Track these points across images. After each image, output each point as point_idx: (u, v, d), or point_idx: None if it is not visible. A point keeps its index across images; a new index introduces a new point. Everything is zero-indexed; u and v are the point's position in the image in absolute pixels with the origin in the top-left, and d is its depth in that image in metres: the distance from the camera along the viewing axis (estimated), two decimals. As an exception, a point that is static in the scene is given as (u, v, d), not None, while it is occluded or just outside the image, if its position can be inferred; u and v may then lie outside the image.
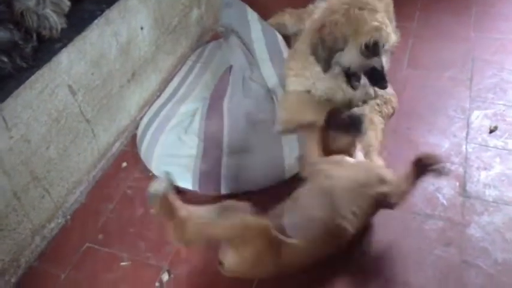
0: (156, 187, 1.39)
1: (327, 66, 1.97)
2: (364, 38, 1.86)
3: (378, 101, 2.11)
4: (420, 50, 2.59)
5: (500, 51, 2.54)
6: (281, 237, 1.47)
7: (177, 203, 1.42)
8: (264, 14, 2.74)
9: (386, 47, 1.92)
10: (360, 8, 1.88)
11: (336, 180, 1.60)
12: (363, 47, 1.87)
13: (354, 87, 2.01)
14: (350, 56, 1.92)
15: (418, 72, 2.45)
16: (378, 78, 1.94)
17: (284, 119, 2.07)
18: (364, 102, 2.10)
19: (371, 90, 2.11)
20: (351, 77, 2.00)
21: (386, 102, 2.13)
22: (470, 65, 2.46)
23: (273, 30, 2.62)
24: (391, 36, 1.91)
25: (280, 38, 2.58)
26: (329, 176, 1.62)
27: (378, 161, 1.89)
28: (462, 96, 2.28)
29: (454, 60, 2.50)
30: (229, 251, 1.46)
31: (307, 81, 2.12)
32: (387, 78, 1.95)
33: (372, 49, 1.88)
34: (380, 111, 2.10)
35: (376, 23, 1.86)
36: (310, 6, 2.61)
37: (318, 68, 2.02)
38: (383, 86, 1.97)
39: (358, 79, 2.00)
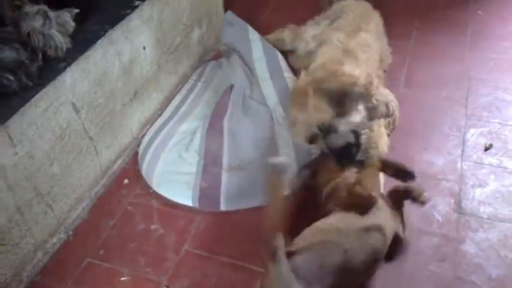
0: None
1: None
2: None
3: (390, 119, 2.17)
4: (417, 69, 2.64)
5: (495, 70, 2.59)
6: None
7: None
8: (265, 33, 2.81)
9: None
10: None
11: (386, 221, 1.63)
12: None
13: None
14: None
15: (415, 90, 2.50)
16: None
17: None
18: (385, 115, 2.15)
19: (391, 106, 2.16)
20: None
21: (394, 121, 2.18)
22: (466, 84, 2.51)
23: (273, 49, 2.68)
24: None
25: (280, 56, 2.64)
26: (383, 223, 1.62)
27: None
28: (458, 115, 2.33)
29: (450, 79, 2.55)
30: None
31: None
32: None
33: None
34: (388, 129, 2.17)
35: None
36: (302, 28, 2.70)
37: None
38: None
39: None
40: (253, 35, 2.76)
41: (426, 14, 3.08)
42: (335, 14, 2.62)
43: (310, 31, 2.65)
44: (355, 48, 2.17)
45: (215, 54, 2.85)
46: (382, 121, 2.12)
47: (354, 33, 2.31)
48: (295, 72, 2.56)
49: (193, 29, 2.60)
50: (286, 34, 2.78)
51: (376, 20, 2.53)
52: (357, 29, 2.34)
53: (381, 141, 2.03)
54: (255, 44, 2.70)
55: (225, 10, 2.91)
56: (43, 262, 1.81)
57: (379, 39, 2.47)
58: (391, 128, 2.21)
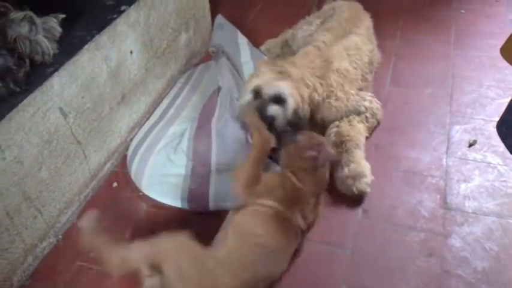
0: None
1: None
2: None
3: (367, 114, 2.20)
4: (402, 68, 2.68)
5: (478, 68, 2.63)
6: None
7: None
8: (253, 38, 2.85)
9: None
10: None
11: None
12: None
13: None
14: None
15: (400, 89, 2.53)
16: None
17: None
18: (358, 114, 2.20)
19: (362, 108, 2.20)
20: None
21: (373, 115, 2.21)
22: (450, 82, 2.55)
23: (260, 54, 2.72)
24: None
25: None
26: None
27: (365, 164, 1.98)
28: (442, 112, 2.36)
29: (434, 77, 2.59)
30: None
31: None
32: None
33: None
34: (367, 122, 2.20)
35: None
36: (294, 31, 2.75)
37: None
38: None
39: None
40: (242, 39, 2.80)
41: (410, 14, 3.13)
42: (326, 14, 2.66)
43: (301, 32, 2.69)
44: (335, 55, 2.22)
45: (202, 57, 2.87)
46: (356, 117, 2.17)
47: (343, 35, 2.34)
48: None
49: (180, 32, 2.62)
50: (289, 34, 2.82)
51: (367, 23, 2.56)
52: (348, 31, 2.38)
53: (352, 132, 2.09)
54: (243, 48, 2.74)
55: (212, 11, 2.94)
56: (33, 266, 1.81)
57: (370, 42, 2.51)
58: (375, 125, 2.25)
